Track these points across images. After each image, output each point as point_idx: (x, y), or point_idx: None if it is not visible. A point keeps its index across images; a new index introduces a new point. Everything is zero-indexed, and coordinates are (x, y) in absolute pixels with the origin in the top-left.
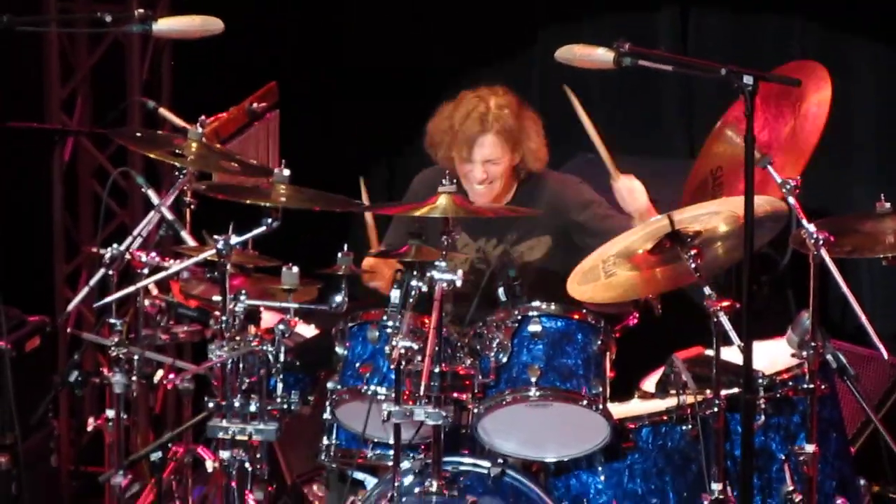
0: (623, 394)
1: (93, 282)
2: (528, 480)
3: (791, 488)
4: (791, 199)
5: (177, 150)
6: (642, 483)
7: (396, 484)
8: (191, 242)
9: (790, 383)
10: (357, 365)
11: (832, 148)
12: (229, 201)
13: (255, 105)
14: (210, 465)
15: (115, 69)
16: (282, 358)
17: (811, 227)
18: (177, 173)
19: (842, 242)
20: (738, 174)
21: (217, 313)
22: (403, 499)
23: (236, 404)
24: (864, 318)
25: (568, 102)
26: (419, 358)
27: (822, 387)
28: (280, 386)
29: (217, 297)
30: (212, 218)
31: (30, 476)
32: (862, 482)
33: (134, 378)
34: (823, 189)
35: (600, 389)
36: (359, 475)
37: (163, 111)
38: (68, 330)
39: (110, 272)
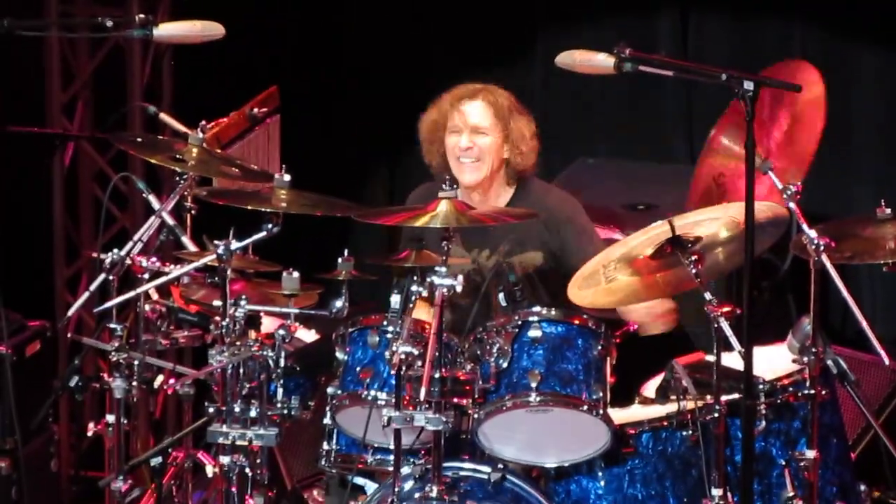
0: (623, 399)
1: (93, 286)
2: (529, 486)
3: (792, 494)
4: (792, 205)
5: (177, 155)
6: (642, 488)
7: (397, 489)
8: (191, 247)
9: (791, 389)
10: (357, 370)
11: (832, 152)
12: (230, 206)
13: (255, 110)
14: (210, 471)
15: (115, 74)
16: (282, 363)
17: (812, 233)
18: (177, 178)
19: (842, 248)
20: (740, 178)
21: (217, 318)
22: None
23: (236, 409)
24: (864, 324)
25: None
26: (419, 363)
27: (823, 392)
28: (280, 391)
29: (217, 302)
30: (212, 223)
31: (30, 481)
32: (863, 487)
33: (134, 383)
34: (824, 194)
35: (601, 395)
36: (359, 480)
37: (163, 116)
38: (69, 335)
39: (111, 277)
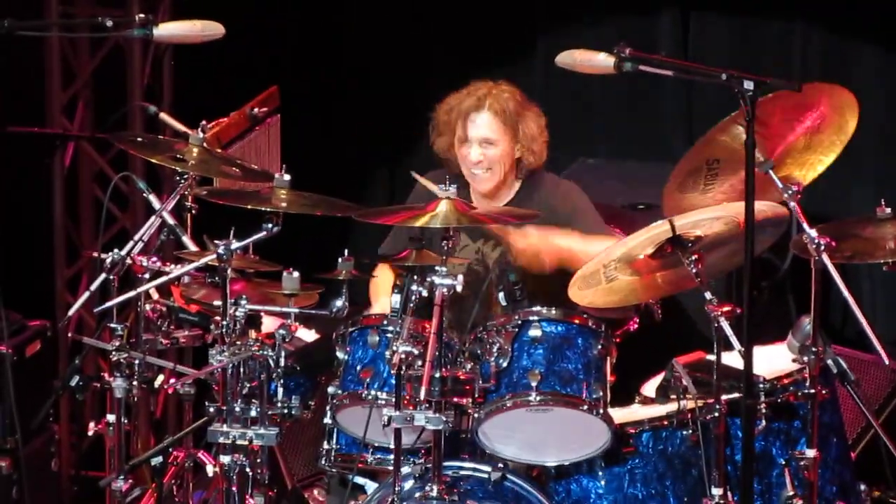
0: (624, 398)
1: (94, 286)
2: (529, 485)
3: (792, 493)
4: (792, 204)
5: (178, 155)
6: (643, 488)
7: (397, 488)
8: (192, 247)
9: (791, 388)
10: (358, 369)
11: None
12: (230, 206)
13: (256, 110)
14: (211, 470)
15: (116, 74)
16: (282, 362)
17: (812, 232)
18: (178, 178)
19: (842, 247)
20: (735, 170)
21: (218, 318)
22: (403, 503)
23: (237, 409)
24: (864, 323)
25: (569, 103)
26: (420, 363)
27: (823, 392)
28: (281, 390)
29: (218, 302)
30: (213, 223)
31: (30, 480)
32: (863, 487)
33: (135, 383)
34: (824, 194)
35: (601, 394)
36: (359, 480)
37: (164, 116)
38: (69, 334)
39: (111, 277)
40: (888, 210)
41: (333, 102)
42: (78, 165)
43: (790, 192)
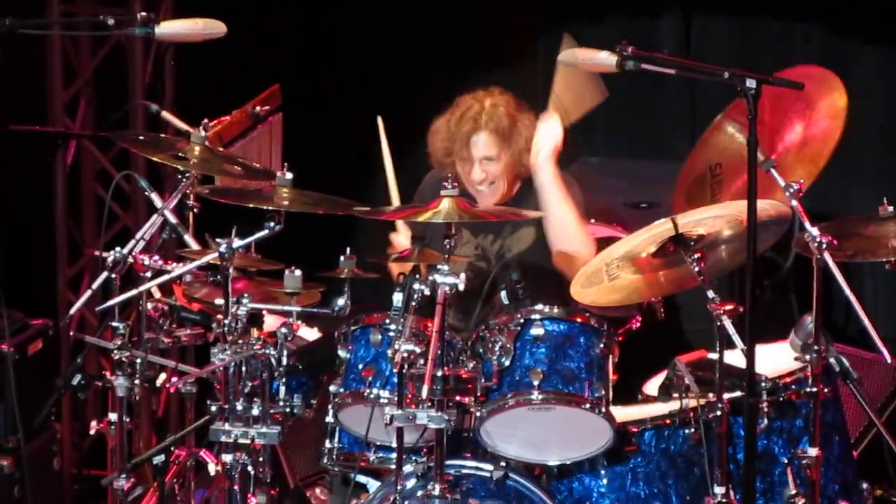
0: (626, 397)
1: (95, 285)
2: (531, 484)
3: (794, 492)
4: (794, 203)
5: (180, 154)
6: (645, 486)
7: (399, 487)
8: (194, 246)
9: (793, 387)
10: (360, 368)
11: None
12: (232, 204)
13: (258, 108)
14: (212, 469)
15: (117, 72)
16: (284, 361)
17: (814, 231)
18: (180, 177)
19: (845, 246)
20: (737, 172)
21: (220, 317)
22: (406, 502)
23: (239, 408)
24: (866, 322)
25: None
26: (422, 361)
27: (825, 390)
28: (283, 389)
29: (220, 301)
30: (214, 221)
31: (32, 479)
32: (865, 486)
33: (136, 381)
34: (826, 192)
35: (603, 393)
36: (361, 478)
37: (165, 114)
38: (71, 333)
39: (113, 275)
40: (890, 208)
41: (334, 102)
42: (80, 164)
43: (792, 190)
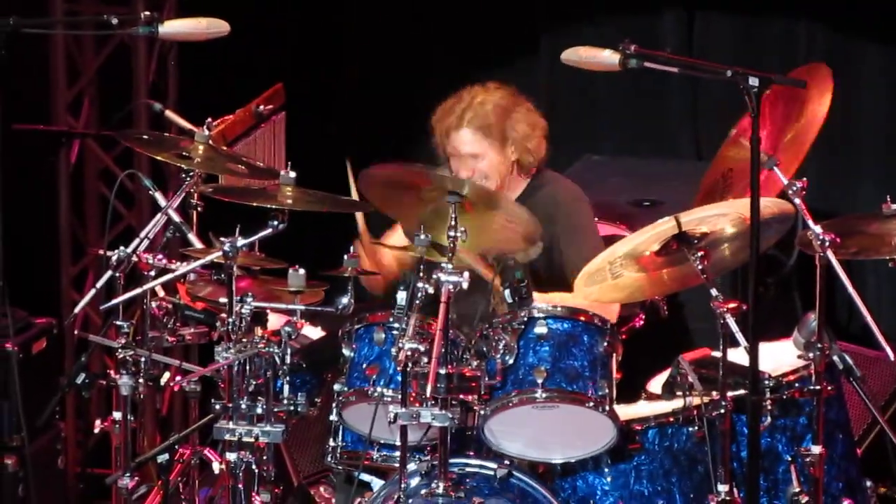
0: (629, 395)
1: (99, 284)
2: (535, 482)
3: (797, 490)
4: (797, 201)
5: (183, 153)
6: (649, 484)
7: (403, 485)
8: (197, 244)
9: (796, 385)
10: (363, 367)
11: (838, 149)
12: (236, 203)
13: (261, 107)
14: (217, 467)
15: (121, 71)
16: (288, 360)
17: (817, 229)
18: (183, 175)
19: (848, 244)
20: (746, 174)
21: (223, 315)
22: (410, 500)
23: (243, 406)
24: (870, 320)
25: (574, 100)
26: (425, 359)
27: (829, 388)
28: (286, 388)
29: (223, 299)
30: (218, 220)
31: (37, 478)
32: (868, 483)
33: (141, 380)
34: (830, 190)
35: (606, 391)
36: (365, 477)
37: (169, 113)
38: (75, 332)
39: (117, 274)
40: (894, 206)
41: (334, 102)
42: (83, 163)
43: (794, 188)
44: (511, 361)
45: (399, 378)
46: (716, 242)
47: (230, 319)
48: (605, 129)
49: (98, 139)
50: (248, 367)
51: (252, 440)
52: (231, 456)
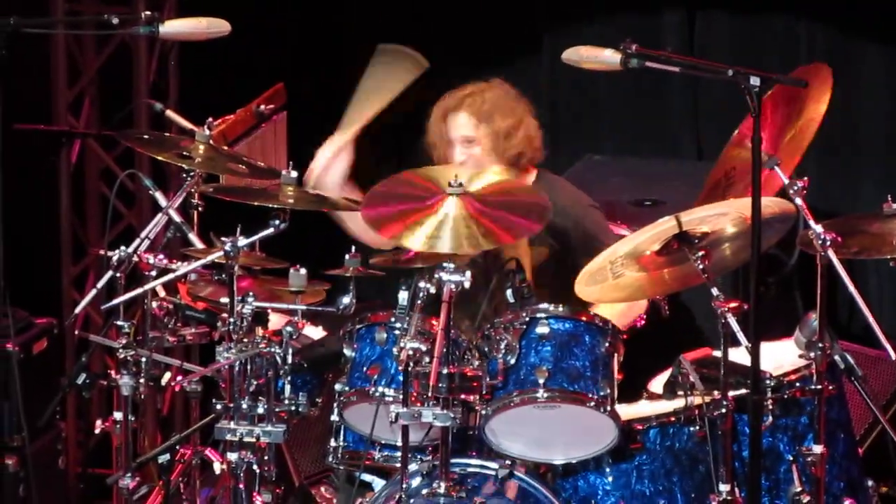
0: (631, 395)
1: (100, 284)
2: (536, 482)
3: (799, 489)
4: (798, 200)
5: (184, 153)
6: (650, 484)
7: (404, 485)
8: (198, 244)
9: (798, 384)
10: (365, 366)
11: (839, 148)
12: (237, 203)
13: (262, 107)
14: (218, 468)
15: (122, 71)
16: (289, 360)
17: (818, 228)
18: (184, 175)
19: (849, 243)
20: (746, 174)
21: (225, 315)
22: (411, 500)
23: (244, 406)
24: (871, 319)
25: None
26: (427, 359)
27: (830, 387)
28: (288, 388)
29: (225, 299)
30: (219, 220)
31: (37, 478)
32: (870, 483)
33: (142, 380)
34: (831, 190)
35: (608, 391)
36: (367, 477)
37: (170, 113)
38: (76, 332)
39: (118, 274)
40: (895, 206)
41: (335, 101)
42: (84, 163)
43: (796, 187)
44: (513, 361)
45: (400, 378)
46: (717, 242)
47: (231, 319)
48: (606, 128)
49: (99, 139)
50: (249, 367)
51: (253, 440)
52: (232, 456)
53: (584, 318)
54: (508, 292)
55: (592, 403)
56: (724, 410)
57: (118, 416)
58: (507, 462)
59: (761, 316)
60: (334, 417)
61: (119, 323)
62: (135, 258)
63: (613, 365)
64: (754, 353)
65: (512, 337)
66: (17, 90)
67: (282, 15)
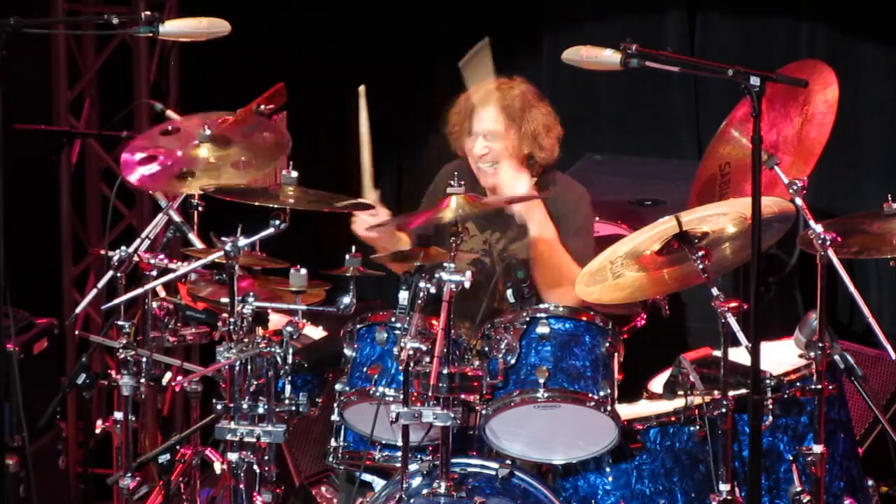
0: (631, 394)
1: (101, 284)
2: (537, 482)
3: (799, 489)
4: (798, 200)
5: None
6: (650, 484)
7: (405, 485)
8: (198, 244)
9: (798, 384)
10: (365, 366)
11: (840, 148)
12: (237, 203)
13: (262, 107)
14: (218, 467)
15: (122, 71)
16: (290, 360)
17: (818, 228)
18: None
19: (849, 243)
20: (745, 174)
21: (225, 315)
22: (411, 500)
23: (244, 406)
24: (871, 319)
25: (575, 99)
26: (427, 359)
27: (830, 387)
28: (288, 388)
29: (225, 299)
30: (219, 220)
31: (38, 478)
32: (870, 483)
33: (142, 380)
34: (831, 190)
35: (608, 391)
36: (367, 477)
37: (170, 113)
38: (76, 332)
39: (118, 274)
40: (895, 205)
41: (335, 101)
42: (84, 163)
43: (795, 187)
44: (513, 361)
45: (401, 378)
46: (717, 242)
47: (231, 319)
48: (606, 128)
49: (99, 139)
50: (249, 367)
51: (253, 440)
52: (232, 456)
53: (584, 318)
54: (509, 292)
55: (592, 403)
56: (724, 410)
57: (118, 416)
58: (508, 462)
59: (761, 316)
60: (335, 417)
61: (119, 323)
62: (135, 258)
63: (613, 365)
64: (754, 353)
65: (512, 337)
66: (17, 90)
67: (282, 15)
